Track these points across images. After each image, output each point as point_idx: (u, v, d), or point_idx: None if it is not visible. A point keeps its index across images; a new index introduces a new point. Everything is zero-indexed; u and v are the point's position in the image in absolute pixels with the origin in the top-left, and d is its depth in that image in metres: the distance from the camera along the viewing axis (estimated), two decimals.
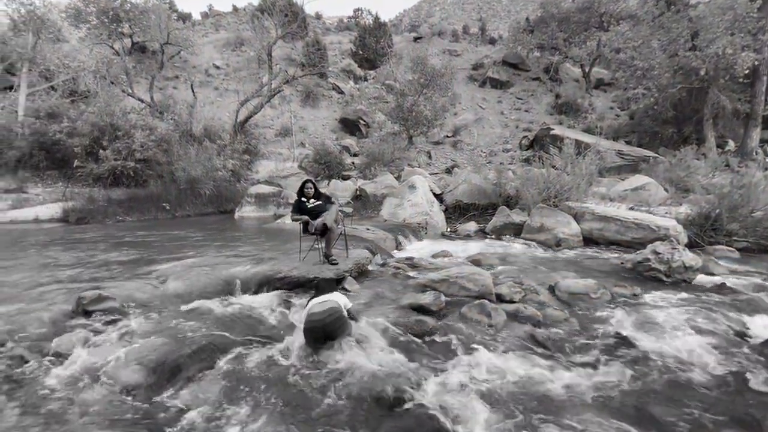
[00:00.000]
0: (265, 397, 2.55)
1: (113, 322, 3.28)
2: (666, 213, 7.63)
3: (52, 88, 14.04)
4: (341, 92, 22.91)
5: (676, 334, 3.40)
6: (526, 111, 22.46)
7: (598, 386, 2.71)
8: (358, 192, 11.63)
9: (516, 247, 6.87)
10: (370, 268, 5.15)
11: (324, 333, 2.99)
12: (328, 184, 11.68)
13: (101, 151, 10.51)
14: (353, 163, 15.67)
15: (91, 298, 3.48)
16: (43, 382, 2.46)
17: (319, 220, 4.36)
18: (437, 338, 3.30)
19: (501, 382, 2.71)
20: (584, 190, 8.28)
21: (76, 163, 10.62)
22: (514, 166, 13.61)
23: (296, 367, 2.87)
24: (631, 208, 8.10)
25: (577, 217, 7.33)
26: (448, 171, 14.64)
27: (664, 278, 4.77)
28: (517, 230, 7.73)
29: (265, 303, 3.97)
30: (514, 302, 3.98)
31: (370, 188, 11.41)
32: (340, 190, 11.44)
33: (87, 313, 3.37)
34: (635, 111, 18.04)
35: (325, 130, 19.90)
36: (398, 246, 6.86)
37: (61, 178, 11.16)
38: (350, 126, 19.77)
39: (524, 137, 18.36)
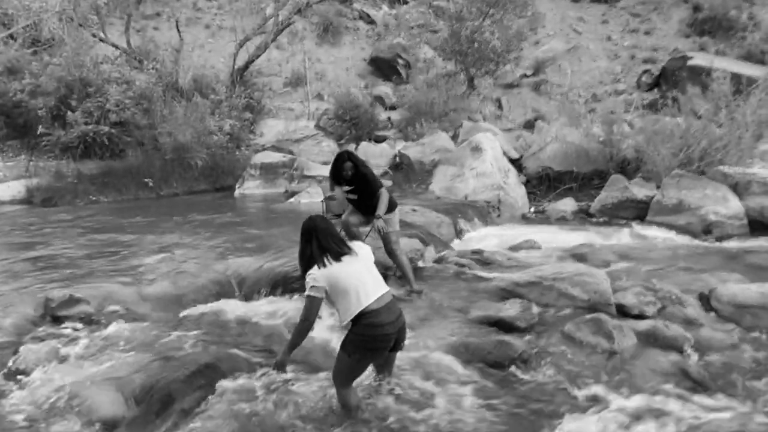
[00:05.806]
0: None
1: (87, 331, 3.47)
2: None
3: (11, 36, 14.99)
4: (371, 22, 22.54)
5: None
6: (647, 33, 20.82)
7: None
8: (397, 158, 11.51)
9: (641, 235, 6.66)
10: (420, 264, 5.11)
11: (394, 344, 2.75)
12: (356, 150, 11.64)
13: (69, 113, 11.11)
14: (389, 118, 15.53)
15: (61, 300, 3.70)
16: (3, 407, 2.61)
17: (380, 222, 4.03)
18: (530, 369, 3.19)
19: None
20: (749, 148, 7.74)
21: (40, 129, 11.35)
22: (632, 115, 12.71)
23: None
24: None
25: (738, 188, 6.96)
26: (530, 125, 14.09)
27: None
28: (640, 210, 7.43)
29: (279, 309, 4.07)
30: (646, 317, 3.76)
31: (414, 153, 11.24)
32: (374, 156, 11.35)
33: (56, 319, 3.60)
34: None
35: (350, 75, 19.73)
36: (459, 234, 6.84)
37: (23, 149, 12.03)
38: (384, 68, 19.48)
39: (645, 72, 17.21)
